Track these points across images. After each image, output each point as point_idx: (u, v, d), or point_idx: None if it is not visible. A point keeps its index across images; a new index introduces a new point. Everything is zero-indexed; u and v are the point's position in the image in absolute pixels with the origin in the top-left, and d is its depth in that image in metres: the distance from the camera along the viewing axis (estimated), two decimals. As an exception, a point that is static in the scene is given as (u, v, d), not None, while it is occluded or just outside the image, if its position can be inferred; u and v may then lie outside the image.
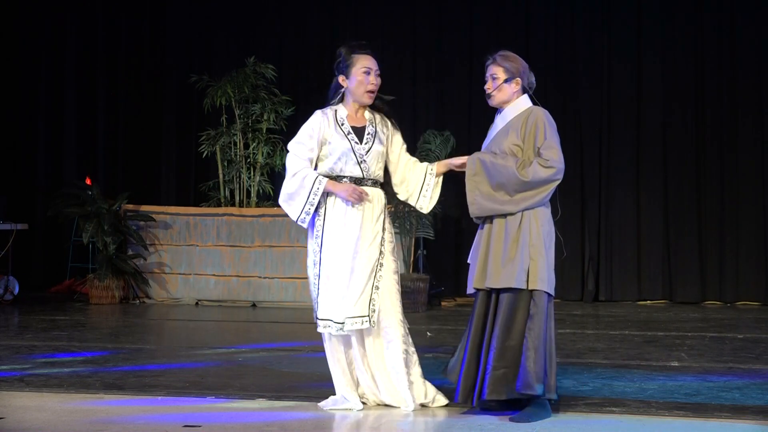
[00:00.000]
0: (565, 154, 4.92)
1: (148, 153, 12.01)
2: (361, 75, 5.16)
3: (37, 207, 11.99)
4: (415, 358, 5.11)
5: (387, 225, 5.13)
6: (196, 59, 11.90)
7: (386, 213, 5.17)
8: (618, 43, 10.95)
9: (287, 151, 5.16)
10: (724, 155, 10.64)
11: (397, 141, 5.33)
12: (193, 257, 10.62)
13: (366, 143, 5.14)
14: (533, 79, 5.04)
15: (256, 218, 10.48)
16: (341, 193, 5.01)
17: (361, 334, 5.08)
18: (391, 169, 5.25)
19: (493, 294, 4.83)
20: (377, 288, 5.08)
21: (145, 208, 10.82)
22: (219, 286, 10.52)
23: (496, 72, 5.00)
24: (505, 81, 4.97)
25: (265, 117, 10.82)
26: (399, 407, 5.00)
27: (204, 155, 10.98)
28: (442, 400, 5.07)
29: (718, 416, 4.84)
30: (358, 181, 5.07)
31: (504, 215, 4.81)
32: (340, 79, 5.23)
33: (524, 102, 4.99)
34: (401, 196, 5.30)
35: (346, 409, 5.00)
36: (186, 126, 11.92)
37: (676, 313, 9.70)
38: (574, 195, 10.76)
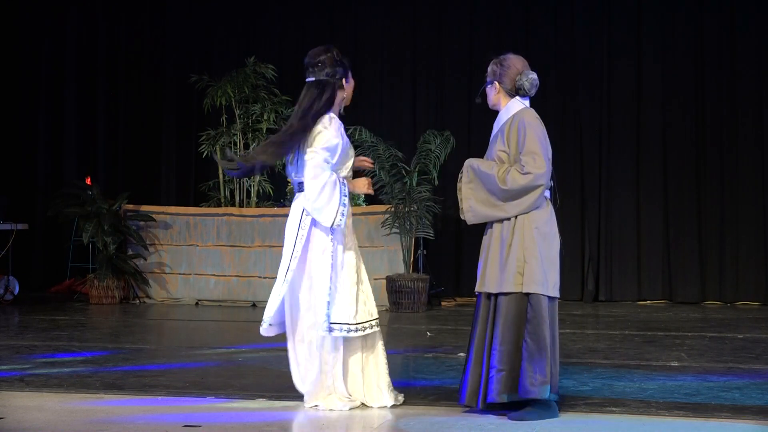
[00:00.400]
0: (565, 154, 4.92)
1: (148, 153, 12.02)
2: (351, 79, 5.15)
3: (37, 207, 12.00)
4: None
5: None
6: (196, 59, 11.90)
7: None
8: (618, 43, 10.95)
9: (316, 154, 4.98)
10: (724, 155, 10.64)
11: None
12: (193, 257, 10.62)
13: None
14: (527, 82, 4.89)
15: (256, 218, 10.48)
16: (360, 189, 5.11)
17: (365, 336, 5.05)
18: None
19: (492, 297, 4.83)
20: None
21: (145, 208, 10.82)
22: (219, 286, 10.53)
23: (487, 76, 5.01)
24: (487, 84, 4.98)
25: (265, 117, 10.81)
26: (375, 406, 5.02)
27: (204, 155, 10.98)
28: (401, 398, 5.11)
29: (718, 416, 4.84)
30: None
31: (500, 220, 4.82)
32: (343, 82, 5.12)
33: (514, 106, 4.92)
34: None
35: (354, 407, 5.00)
36: (186, 126, 11.93)
37: (676, 313, 9.70)
38: (574, 195, 10.76)
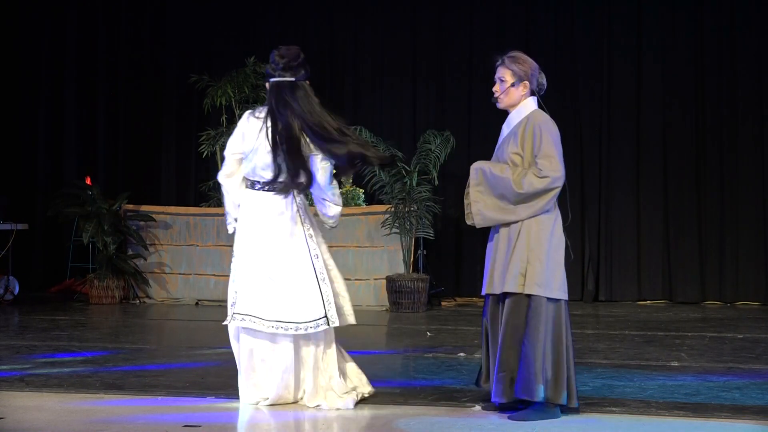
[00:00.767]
0: (565, 155, 4.89)
1: (148, 153, 12.01)
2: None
3: (37, 207, 11.99)
4: None
5: None
6: (196, 59, 11.90)
7: None
8: (618, 43, 10.95)
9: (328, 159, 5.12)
10: (724, 155, 10.64)
11: None
12: (193, 257, 10.63)
13: None
14: (544, 80, 4.97)
15: (256, 218, 10.47)
16: None
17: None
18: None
19: (498, 299, 4.84)
20: None
21: (145, 208, 10.82)
22: (219, 286, 10.51)
23: (504, 75, 4.92)
24: (512, 85, 4.90)
25: (265, 117, 10.80)
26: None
27: (204, 155, 10.98)
28: (349, 404, 5.11)
29: (718, 416, 4.84)
30: None
31: (508, 224, 4.81)
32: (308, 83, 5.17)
33: (529, 106, 4.92)
34: None
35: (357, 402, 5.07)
36: (186, 126, 11.92)
37: (676, 313, 9.70)
38: (574, 195, 10.75)
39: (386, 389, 5.48)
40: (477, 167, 4.90)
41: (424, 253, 10.23)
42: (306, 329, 4.98)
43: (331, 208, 5.22)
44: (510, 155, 4.84)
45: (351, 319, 5.17)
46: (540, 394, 4.65)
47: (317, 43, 11.74)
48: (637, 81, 10.88)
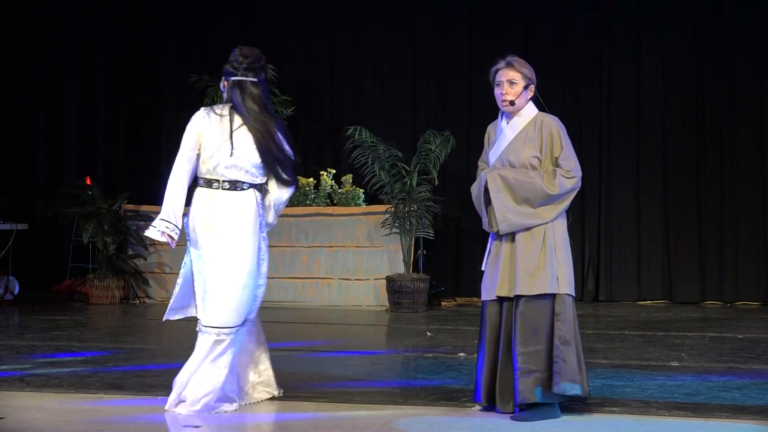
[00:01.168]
0: (565, 154, 4.92)
1: (148, 153, 12.01)
2: None
3: (37, 207, 11.99)
4: None
5: None
6: (196, 59, 11.90)
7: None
8: (618, 43, 10.95)
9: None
10: (724, 155, 10.64)
11: None
12: (192, 257, 10.60)
13: None
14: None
15: (256, 218, 10.46)
16: None
17: None
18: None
19: (505, 302, 4.83)
20: None
21: (145, 208, 10.81)
22: (219, 286, 10.51)
23: (515, 78, 4.90)
24: (524, 87, 4.91)
25: (265, 117, 10.79)
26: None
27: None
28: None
29: (718, 416, 4.84)
30: None
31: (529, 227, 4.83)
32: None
33: (533, 109, 4.96)
34: None
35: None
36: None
37: (676, 313, 9.70)
38: (575, 195, 10.74)
39: (386, 389, 5.48)
40: (496, 174, 4.88)
41: (424, 253, 10.23)
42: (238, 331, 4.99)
43: (273, 216, 5.16)
44: (528, 159, 4.86)
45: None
46: (580, 388, 4.73)
47: (317, 43, 11.75)
48: (637, 81, 10.88)
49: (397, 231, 9.90)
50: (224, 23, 11.92)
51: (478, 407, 4.97)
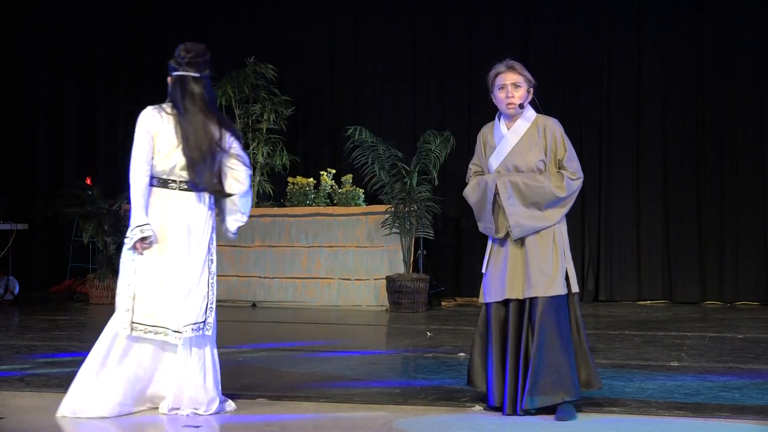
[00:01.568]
0: (565, 155, 4.94)
1: (148, 153, 11.99)
2: None
3: (37, 207, 12.00)
4: None
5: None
6: (196, 59, 11.88)
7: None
8: (618, 43, 10.95)
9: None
10: (724, 155, 10.64)
11: None
12: (192, 257, 10.60)
13: None
14: None
15: (256, 218, 10.45)
16: None
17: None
18: None
19: (511, 303, 4.83)
20: None
21: (145, 208, 10.79)
22: (219, 286, 10.44)
23: (518, 81, 4.92)
24: (528, 91, 4.95)
25: (265, 117, 10.80)
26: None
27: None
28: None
29: (718, 416, 4.84)
30: None
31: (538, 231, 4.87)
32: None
33: (531, 112, 4.99)
34: None
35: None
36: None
37: (676, 313, 9.70)
38: (574, 195, 10.76)
39: (386, 389, 5.48)
40: (507, 181, 4.87)
41: (424, 253, 10.23)
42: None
43: (241, 220, 5.11)
44: (535, 163, 4.88)
45: None
46: (599, 385, 4.85)
47: (317, 43, 11.75)
48: (637, 81, 10.88)
49: (397, 231, 9.90)
50: (224, 23, 11.93)
51: (479, 407, 4.97)
